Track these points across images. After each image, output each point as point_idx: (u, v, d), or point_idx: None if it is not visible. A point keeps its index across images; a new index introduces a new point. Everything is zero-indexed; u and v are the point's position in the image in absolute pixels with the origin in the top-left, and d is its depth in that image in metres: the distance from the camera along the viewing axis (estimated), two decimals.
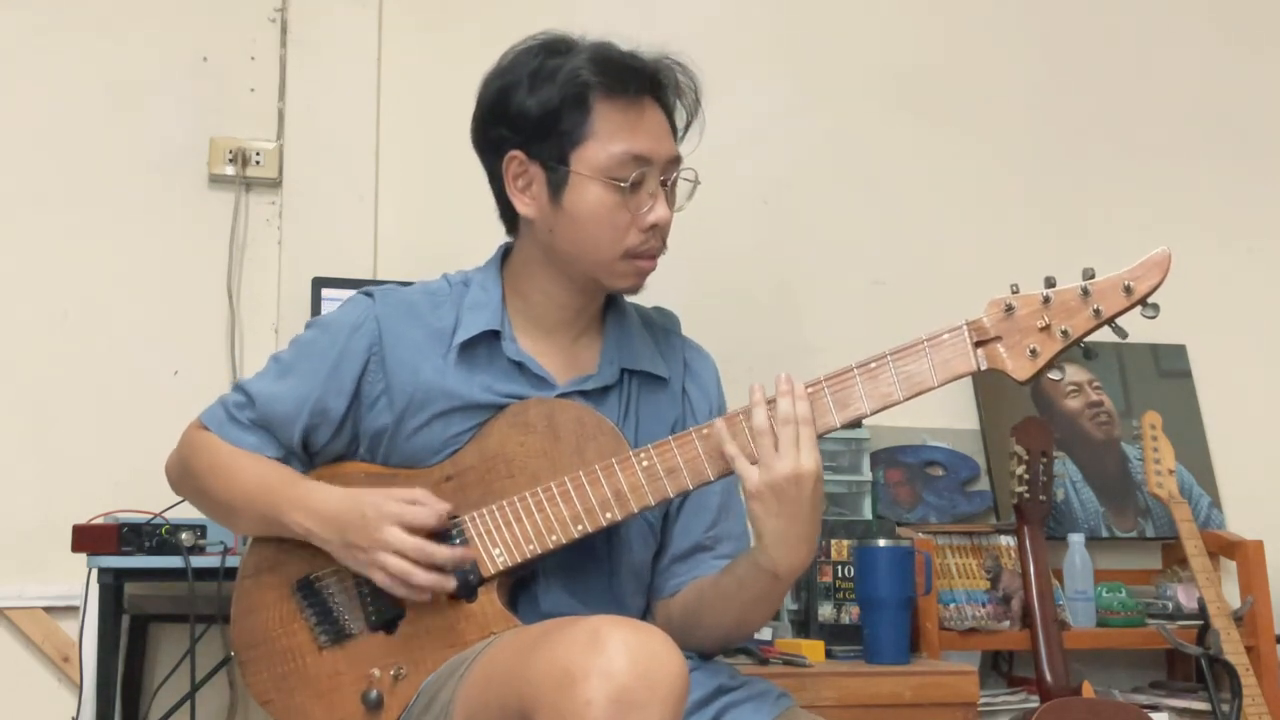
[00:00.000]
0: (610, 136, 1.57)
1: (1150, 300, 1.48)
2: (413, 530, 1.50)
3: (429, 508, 1.52)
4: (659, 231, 1.60)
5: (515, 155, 1.61)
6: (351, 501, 1.53)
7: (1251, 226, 3.20)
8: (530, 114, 1.58)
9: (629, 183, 1.56)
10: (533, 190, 1.61)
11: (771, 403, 1.48)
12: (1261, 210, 3.22)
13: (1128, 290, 1.47)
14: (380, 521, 1.50)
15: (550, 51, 1.60)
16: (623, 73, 1.58)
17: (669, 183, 1.61)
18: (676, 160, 1.63)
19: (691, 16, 2.97)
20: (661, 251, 1.63)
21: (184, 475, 1.69)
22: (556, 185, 1.58)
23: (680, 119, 1.66)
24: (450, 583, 1.51)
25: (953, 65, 3.12)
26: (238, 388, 1.67)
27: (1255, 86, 3.27)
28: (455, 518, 1.56)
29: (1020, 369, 1.49)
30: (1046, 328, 1.48)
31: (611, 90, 1.57)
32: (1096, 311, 1.47)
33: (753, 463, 1.47)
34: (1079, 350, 1.50)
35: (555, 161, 1.58)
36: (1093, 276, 1.49)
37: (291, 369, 1.64)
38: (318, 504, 1.55)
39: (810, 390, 1.50)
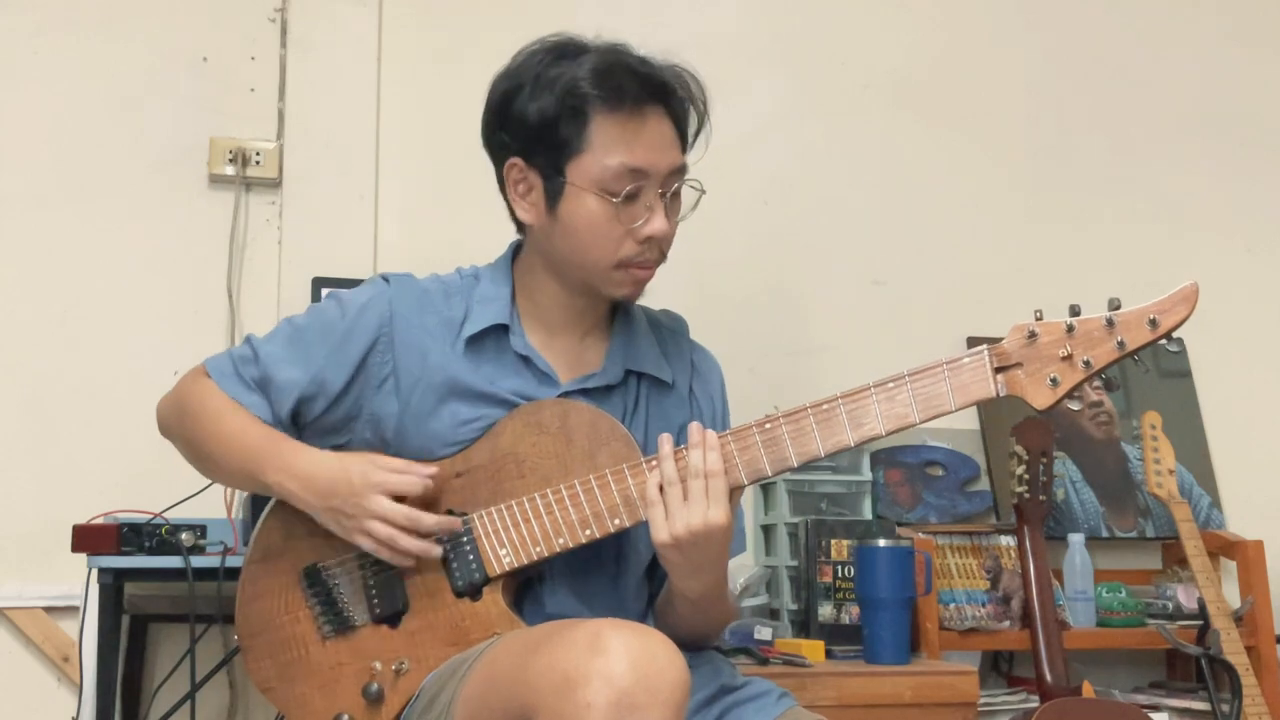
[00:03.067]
0: (606, 149, 1.55)
1: (1174, 335, 1.46)
2: (399, 498, 1.52)
3: (415, 476, 1.53)
4: (656, 243, 1.59)
5: (515, 162, 1.61)
6: (338, 468, 1.54)
7: (1251, 227, 3.21)
8: (529, 122, 1.57)
9: (622, 196, 1.55)
10: (531, 197, 1.61)
11: (680, 453, 1.50)
12: (1261, 210, 3.22)
13: (1153, 324, 1.44)
14: (367, 490, 1.51)
15: (557, 56, 1.59)
16: (623, 84, 1.55)
17: (669, 194, 1.59)
18: (680, 170, 1.60)
19: (693, 18, 2.97)
20: (660, 262, 1.62)
21: (175, 415, 1.69)
22: (553, 195, 1.58)
23: (690, 126, 1.64)
24: (436, 550, 1.52)
25: (952, 66, 3.12)
26: (247, 342, 1.67)
27: (1255, 87, 3.27)
28: (464, 514, 1.56)
29: (1040, 398, 1.47)
30: (1069, 357, 1.46)
31: (610, 102, 1.55)
32: (1120, 344, 1.45)
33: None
34: (1098, 376, 1.49)
35: (552, 171, 1.57)
36: (1118, 307, 1.46)
37: (301, 336, 1.65)
38: (303, 467, 1.55)
39: (826, 407, 1.50)
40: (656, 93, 1.57)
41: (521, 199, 1.62)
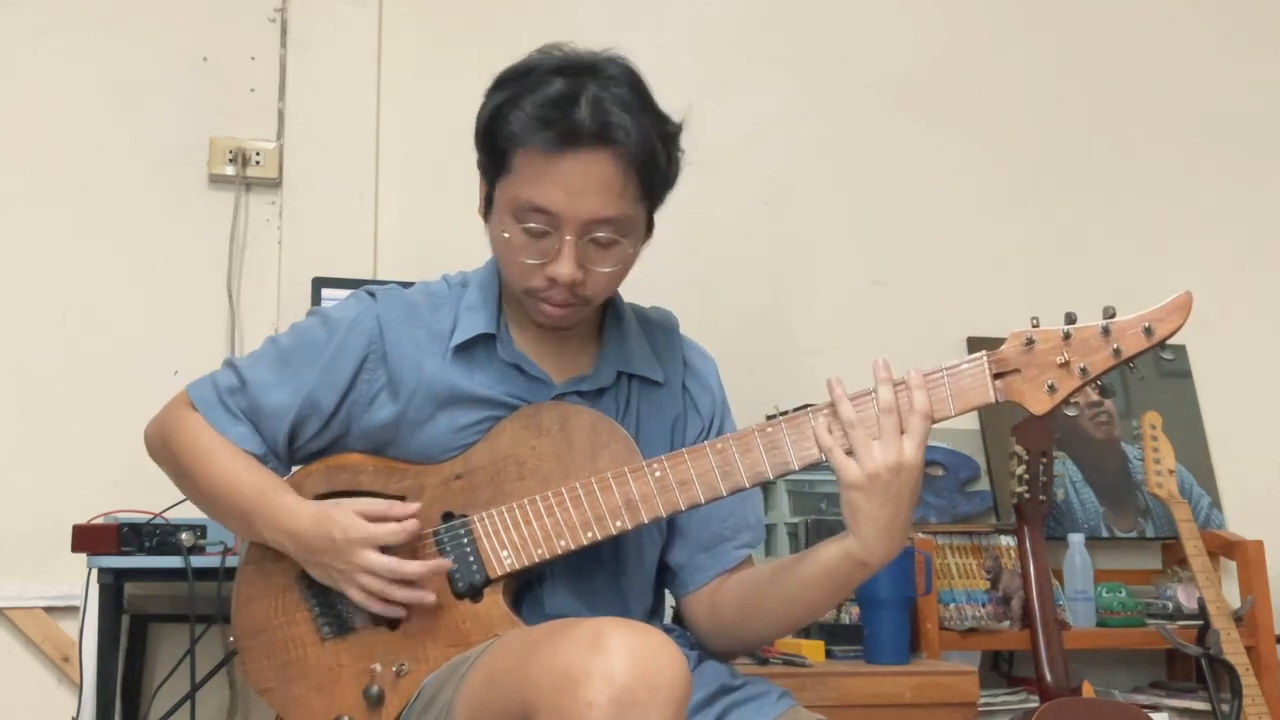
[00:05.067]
0: (520, 181, 1.51)
1: (1169, 343, 1.47)
2: (385, 549, 1.51)
3: (396, 524, 1.51)
4: (561, 286, 1.53)
5: (480, 163, 1.61)
6: (320, 524, 1.52)
7: (1252, 228, 3.21)
8: (478, 131, 1.57)
9: (526, 230, 1.52)
10: (483, 194, 1.62)
11: (857, 396, 1.47)
12: (1262, 211, 3.22)
13: (1148, 332, 1.46)
14: (352, 546, 1.50)
15: (519, 75, 1.54)
16: (550, 124, 1.48)
17: (587, 240, 1.51)
18: (607, 222, 1.51)
19: (692, 18, 2.97)
20: (575, 303, 1.56)
21: (164, 454, 1.67)
22: (487, 203, 1.59)
23: (643, 177, 1.52)
24: (429, 596, 1.51)
25: (952, 66, 3.12)
26: (231, 367, 1.65)
27: (1255, 87, 3.28)
28: (464, 516, 1.56)
29: (1038, 403, 1.48)
30: (1065, 364, 1.47)
31: (530, 139, 1.49)
32: (1116, 351, 1.46)
33: (848, 453, 1.46)
34: (1095, 383, 1.49)
35: (489, 179, 1.58)
36: (1113, 315, 1.47)
37: (288, 359, 1.63)
38: (287, 522, 1.54)
39: (828, 411, 1.49)
40: (598, 136, 1.48)
41: (482, 201, 1.62)
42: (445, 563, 1.53)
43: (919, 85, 3.09)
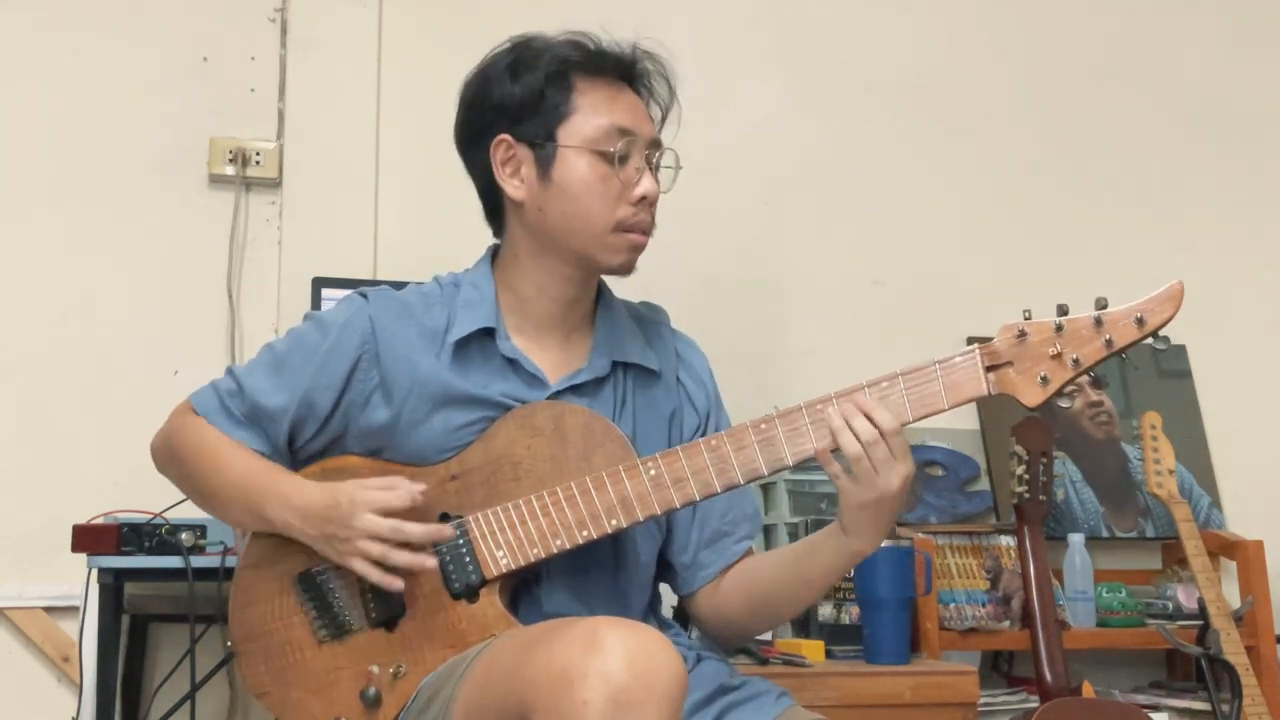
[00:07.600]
0: (594, 110, 1.60)
1: (1161, 333, 1.49)
2: (388, 514, 1.52)
3: (402, 490, 1.53)
4: (647, 205, 1.62)
5: (502, 139, 1.63)
6: (328, 493, 1.54)
7: (1251, 227, 3.21)
8: (514, 97, 1.62)
9: (615, 156, 1.59)
10: (522, 172, 1.63)
11: (844, 394, 1.50)
12: (1262, 210, 3.22)
13: (1140, 322, 1.47)
14: (355, 509, 1.51)
15: (525, 44, 1.65)
16: (601, 54, 1.63)
17: (653, 162, 1.64)
18: (658, 143, 1.66)
19: (692, 18, 2.97)
20: (651, 228, 1.64)
21: (170, 459, 1.69)
22: (545, 162, 1.61)
23: (656, 111, 1.69)
24: (430, 562, 1.52)
25: (953, 66, 3.12)
26: (229, 374, 1.67)
27: (1256, 87, 3.27)
28: (459, 517, 1.56)
29: (1031, 395, 1.50)
30: (1058, 355, 1.48)
31: (592, 69, 1.62)
32: (1108, 342, 1.48)
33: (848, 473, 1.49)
34: (1087, 375, 1.51)
35: (543, 138, 1.61)
36: (1105, 306, 1.49)
37: (283, 363, 1.64)
38: (296, 498, 1.55)
39: (820, 405, 1.51)
40: (628, 70, 1.65)
41: (511, 176, 1.63)
42: (446, 530, 1.54)
43: (919, 85, 3.08)
